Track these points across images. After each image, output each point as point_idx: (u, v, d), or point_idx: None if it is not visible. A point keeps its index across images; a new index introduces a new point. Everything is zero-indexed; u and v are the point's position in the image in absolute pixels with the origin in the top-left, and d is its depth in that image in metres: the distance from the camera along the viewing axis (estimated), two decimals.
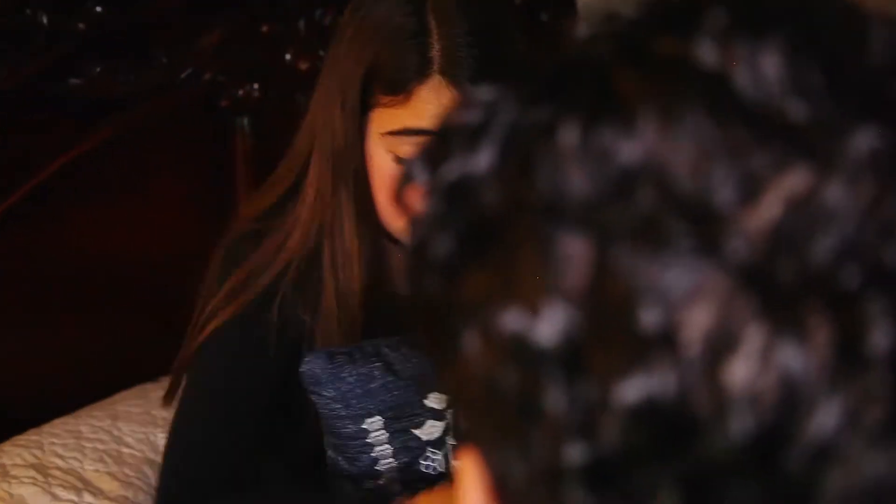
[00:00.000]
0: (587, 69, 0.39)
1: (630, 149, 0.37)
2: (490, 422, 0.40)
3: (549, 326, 0.37)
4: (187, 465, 1.28)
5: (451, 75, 1.22)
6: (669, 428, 0.35)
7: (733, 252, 0.35)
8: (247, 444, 1.29)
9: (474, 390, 0.40)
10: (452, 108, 0.43)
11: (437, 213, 0.41)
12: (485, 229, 0.39)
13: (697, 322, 0.35)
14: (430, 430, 1.31)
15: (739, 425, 0.35)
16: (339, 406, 1.29)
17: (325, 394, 1.29)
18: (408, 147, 1.24)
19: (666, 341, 0.35)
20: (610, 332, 0.36)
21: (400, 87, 1.23)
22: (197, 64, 1.91)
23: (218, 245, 1.37)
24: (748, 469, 0.35)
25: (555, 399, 0.37)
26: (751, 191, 0.35)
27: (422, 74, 1.22)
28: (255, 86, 1.95)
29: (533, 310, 0.37)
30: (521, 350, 0.38)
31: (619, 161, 0.37)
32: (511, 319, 0.38)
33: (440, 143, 0.42)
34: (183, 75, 1.90)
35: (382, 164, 1.27)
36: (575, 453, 0.37)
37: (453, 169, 0.41)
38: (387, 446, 1.31)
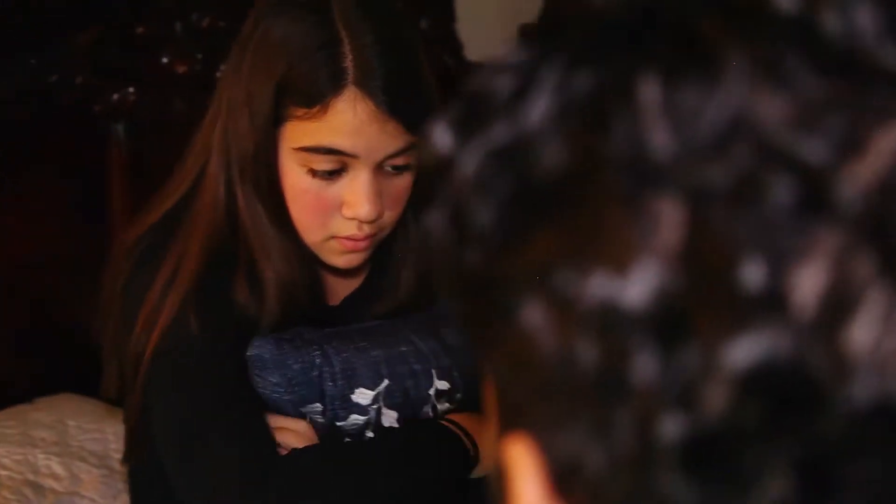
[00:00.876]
0: (660, 18, 0.36)
1: (720, 103, 0.34)
2: (557, 402, 0.36)
3: (640, 288, 0.34)
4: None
5: (367, 86, 1.19)
6: (784, 396, 0.32)
7: (844, 207, 0.33)
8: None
9: (536, 368, 0.36)
10: (482, 74, 0.40)
11: (478, 179, 0.38)
12: (546, 191, 0.36)
13: (810, 282, 0.32)
14: (352, 422, 1.30)
15: (863, 393, 0.32)
16: (283, 390, 1.27)
17: (271, 379, 1.27)
18: (323, 163, 1.21)
19: (776, 302, 0.33)
20: (713, 292, 0.33)
21: (314, 100, 1.19)
22: (69, 66, 1.84)
23: (112, 258, 1.32)
24: (872, 444, 0.32)
25: (645, 368, 0.34)
26: (855, 142, 0.33)
27: (336, 86, 1.19)
28: (131, 90, 1.89)
29: (621, 271, 0.34)
30: (604, 316, 0.34)
31: (708, 117, 0.34)
32: (593, 283, 0.35)
33: (474, 110, 0.39)
34: (54, 78, 1.82)
35: (296, 180, 1.24)
36: (671, 429, 0.33)
37: (500, 132, 0.38)
38: (319, 430, 1.30)
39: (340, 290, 1.37)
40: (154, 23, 1.93)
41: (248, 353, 1.26)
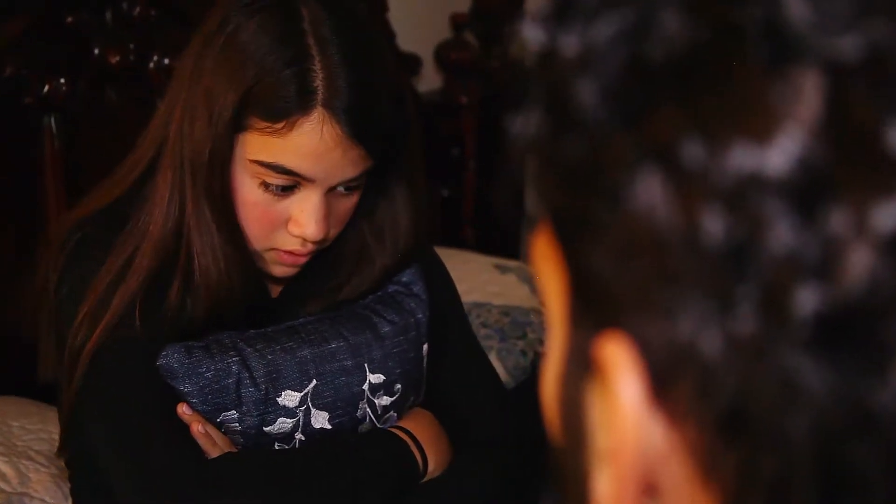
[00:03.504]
0: None
1: None
2: (675, 285, 0.35)
3: (783, 156, 0.34)
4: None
5: (335, 109, 1.15)
6: None
7: None
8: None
9: (653, 250, 0.36)
10: None
11: (582, 61, 0.37)
12: (670, 66, 0.36)
13: None
14: (280, 426, 1.27)
15: None
16: (196, 401, 1.24)
17: (182, 388, 1.24)
18: (277, 179, 1.18)
19: None
20: (858, 157, 0.33)
21: (280, 117, 1.15)
22: None
23: (49, 247, 1.28)
24: None
25: (785, 236, 0.33)
26: None
27: (305, 106, 1.15)
28: (62, 81, 1.83)
29: (763, 140, 0.34)
30: (741, 187, 0.34)
31: None
32: (732, 154, 0.34)
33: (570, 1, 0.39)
34: None
35: (247, 190, 1.21)
36: (806, 302, 0.33)
37: (607, 13, 0.37)
38: (238, 437, 1.27)
39: (280, 280, 1.34)
40: (83, 12, 1.88)
41: (157, 363, 1.22)
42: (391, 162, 1.26)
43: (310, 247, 1.23)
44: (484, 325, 2.07)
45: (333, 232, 1.25)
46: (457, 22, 2.54)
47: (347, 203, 1.24)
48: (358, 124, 1.16)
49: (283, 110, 1.15)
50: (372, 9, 2.31)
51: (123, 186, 1.27)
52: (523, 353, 2.05)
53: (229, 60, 1.17)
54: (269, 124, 1.16)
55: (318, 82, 1.15)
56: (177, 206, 1.22)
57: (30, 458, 1.54)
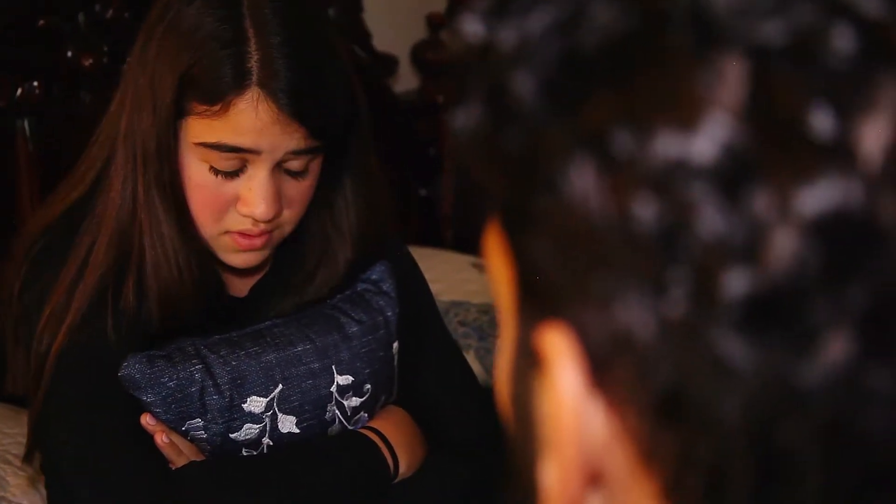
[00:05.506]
0: None
1: None
2: (608, 272, 0.36)
3: (708, 141, 0.34)
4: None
5: (270, 88, 1.16)
6: (851, 244, 0.33)
7: None
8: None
9: (586, 237, 0.36)
10: None
11: (518, 53, 0.38)
12: (600, 55, 0.36)
13: (875, 133, 0.33)
14: (246, 432, 1.26)
15: None
16: (160, 411, 1.23)
17: (145, 398, 1.23)
18: (223, 160, 1.18)
19: (844, 151, 0.33)
20: (782, 141, 0.33)
21: (216, 98, 1.16)
22: None
23: (13, 254, 1.28)
24: None
25: (712, 220, 0.34)
26: None
27: (239, 86, 1.16)
28: (35, 84, 1.82)
29: (688, 127, 0.34)
30: (668, 173, 0.34)
31: None
32: (659, 141, 0.34)
33: None
34: None
35: (195, 174, 1.21)
36: (734, 285, 0.33)
37: (543, 5, 0.38)
38: (205, 444, 1.26)
39: (247, 280, 1.34)
40: (56, 15, 1.87)
41: (119, 374, 1.22)
42: (343, 151, 1.26)
43: (262, 226, 1.22)
44: (462, 324, 2.07)
45: (288, 214, 1.24)
46: (433, 22, 2.54)
47: (299, 187, 1.24)
48: (296, 104, 1.16)
49: (218, 91, 1.16)
50: (347, 9, 2.31)
51: (82, 188, 1.27)
52: None
53: (169, 46, 1.18)
54: (207, 107, 1.17)
55: (253, 63, 1.16)
56: (130, 199, 1.22)
57: (7, 462, 1.53)
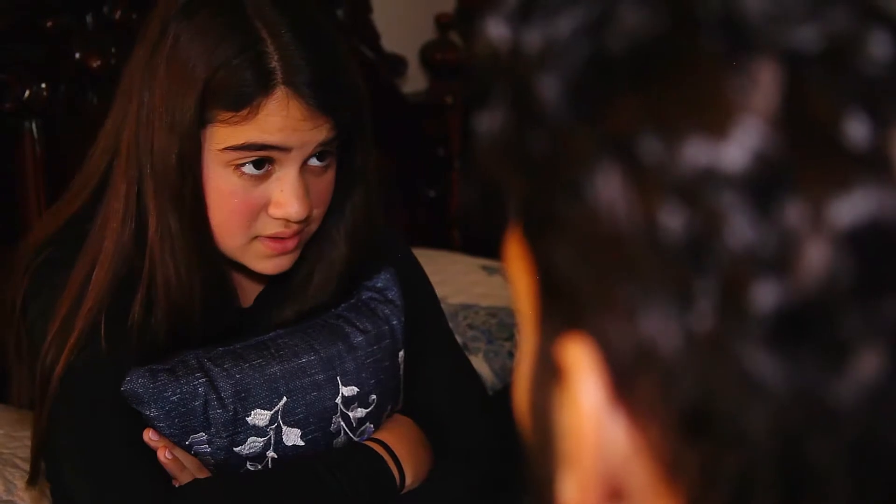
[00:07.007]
0: None
1: None
2: (633, 281, 0.35)
3: (739, 149, 0.33)
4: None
5: (295, 85, 1.15)
6: (885, 256, 0.32)
7: None
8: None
9: (611, 245, 0.35)
10: None
11: (544, 55, 0.37)
12: (629, 59, 0.35)
13: None
14: (250, 445, 1.25)
15: None
16: (163, 425, 1.22)
17: (148, 413, 1.22)
18: (251, 159, 1.18)
19: (880, 160, 0.32)
20: (817, 150, 0.32)
21: (242, 104, 1.15)
22: None
23: (14, 267, 1.27)
24: None
25: (742, 230, 0.33)
26: None
27: (265, 87, 1.15)
28: (43, 85, 1.82)
29: (719, 134, 0.33)
30: (697, 181, 0.33)
31: None
32: (688, 148, 0.33)
33: None
34: None
35: (222, 182, 1.19)
36: (764, 297, 0.32)
37: (571, 7, 0.37)
38: (209, 458, 1.24)
39: (251, 291, 1.33)
40: (63, 16, 1.86)
41: (122, 389, 1.21)
42: (347, 148, 1.26)
43: (294, 227, 1.21)
44: (471, 327, 2.06)
45: (317, 212, 1.24)
46: (441, 22, 2.53)
47: (323, 182, 1.23)
48: (322, 97, 1.16)
49: (244, 96, 1.15)
50: (355, 9, 2.31)
51: (79, 203, 1.26)
52: (511, 354, 2.04)
53: (179, 64, 1.16)
54: (232, 113, 1.16)
55: (275, 63, 1.15)
56: (133, 219, 1.21)
57: (15, 466, 1.53)
